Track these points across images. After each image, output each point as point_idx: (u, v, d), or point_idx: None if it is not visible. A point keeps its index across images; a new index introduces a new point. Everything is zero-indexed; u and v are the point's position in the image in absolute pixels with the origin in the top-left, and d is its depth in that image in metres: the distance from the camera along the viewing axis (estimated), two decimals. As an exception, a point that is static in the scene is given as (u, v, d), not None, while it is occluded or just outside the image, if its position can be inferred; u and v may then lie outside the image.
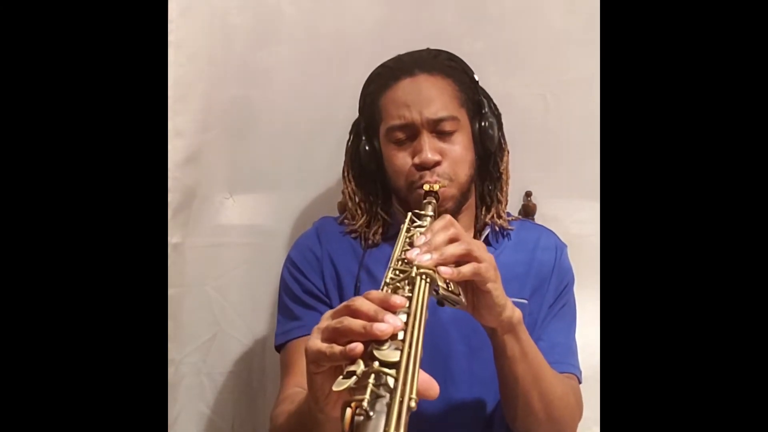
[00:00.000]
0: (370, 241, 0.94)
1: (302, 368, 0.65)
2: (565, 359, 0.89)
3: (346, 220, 0.99)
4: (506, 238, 0.97)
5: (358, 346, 0.52)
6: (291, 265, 0.95)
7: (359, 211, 0.97)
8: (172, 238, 1.10)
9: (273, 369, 1.08)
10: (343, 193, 1.01)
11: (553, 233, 1.02)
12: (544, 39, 1.17)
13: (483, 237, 0.95)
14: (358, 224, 0.96)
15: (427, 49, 0.96)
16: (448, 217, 0.72)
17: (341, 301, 0.90)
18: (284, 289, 0.95)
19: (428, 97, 0.88)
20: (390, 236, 0.94)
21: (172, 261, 1.07)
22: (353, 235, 0.96)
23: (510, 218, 1.01)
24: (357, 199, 0.97)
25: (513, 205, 1.16)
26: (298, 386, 0.83)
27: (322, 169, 1.15)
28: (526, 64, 1.18)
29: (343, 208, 1.09)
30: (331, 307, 0.90)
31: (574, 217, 1.17)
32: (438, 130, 0.89)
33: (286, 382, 0.88)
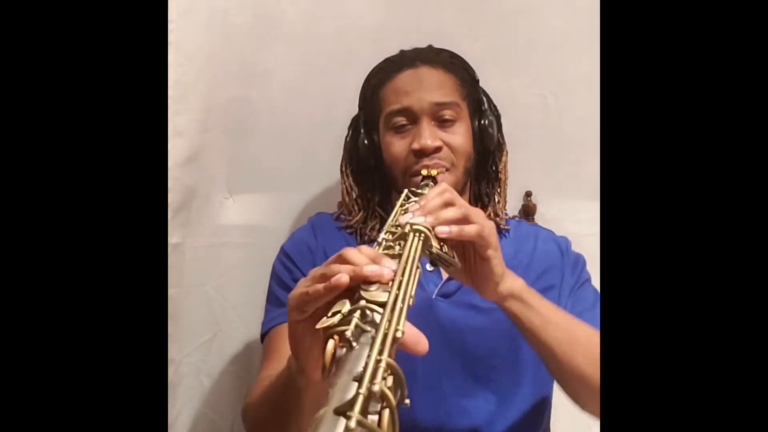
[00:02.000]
0: (366, 237, 0.93)
1: (284, 354, 0.62)
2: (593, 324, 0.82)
3: (342, 216, 0.98)
4: (503, 237, 0.96)
5: (343, 276, 0.49)
6: (283, 255, 0.94)
7: (356, 207, 0.96)
8: (172, 238, 1.10)
9: (273, 369, 1.09)
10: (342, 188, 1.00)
11: (550, 231, 1.01)
12: (544, 39, 1.18)
13: None
14: (355, 220, 0.95)
15: (430, 46, 0.96)
16: (444, 184, 0.69)
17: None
18: (274, 278, 0.94)
19: (430, 85, 0.88)
20: None
21: (172, 261, 1.07)
22: (349, 230, 0.95)
23: (506, 217, 1.00)
24: (354, 195, 0.96)
25: (513, 205, 1.16)
26: (277, 370, 0.81)
27: (322, 169, 1.15)
28: (526, 64, 1.18)
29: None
30: None
31: (574, 217, 1.17)
32: (439, 116, 0.87)
33: (265, 366, 0.84)
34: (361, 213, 0.95)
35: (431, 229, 0.61)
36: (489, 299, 0.71)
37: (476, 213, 0.66)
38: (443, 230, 0.62)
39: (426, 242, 0.60)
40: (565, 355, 0.72)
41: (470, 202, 0.96)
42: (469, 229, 0.64)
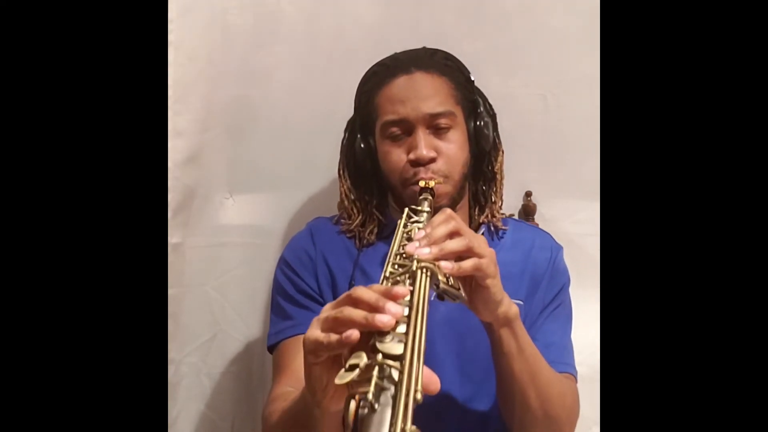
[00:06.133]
0: (365, 241, 0.94)
1: (295, 368, 0.64)
2: (560, 359, 0.87)
3: (342, 220, 0.98)
4: (501, 239, 0.96)
5: (354, 333, 0.51)
6: (284, 265, 0.95)
7: (355, 210, 0.96)
8: (172, 238, 1.10)
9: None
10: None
11: (549, 235, 1.01)
12: (544, 39, 1.18)
13: None
14: (354, 224, 0.95)
15: (424, 47, 0.95)
16: (448, 211, 0.71)
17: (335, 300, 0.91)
18: (277, 289, 0.95)
19: (424, 94, 0.88)
20: (385, 236, 0.93)
21: (172, 261, 1.07)
22: (348, 234, 0.95)
23: (504, 215, 1.00)
24: (353, 198, 0.96)
25: (513, 205, 1.15)
26: (290, 386, 0.82)
27: (321, 169, 1.15)
28: (526, 64, 1.18)
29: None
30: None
31: (574, 217, 1.17)
32: (434, 125, 0.88)
33: (278, 381, 0.87)
34: (360, 216, 0.95)
35: (436, 263, 0.64)
36: (485, 320, 0.74)
37: (479, 242, 0.69)
38: (447, 266, 0.65)
39: (433, 277, 0.63)
40: (520, 386, 0.77)
41: (469, 203, 0.97)
42: (466, 266, 0.67)
